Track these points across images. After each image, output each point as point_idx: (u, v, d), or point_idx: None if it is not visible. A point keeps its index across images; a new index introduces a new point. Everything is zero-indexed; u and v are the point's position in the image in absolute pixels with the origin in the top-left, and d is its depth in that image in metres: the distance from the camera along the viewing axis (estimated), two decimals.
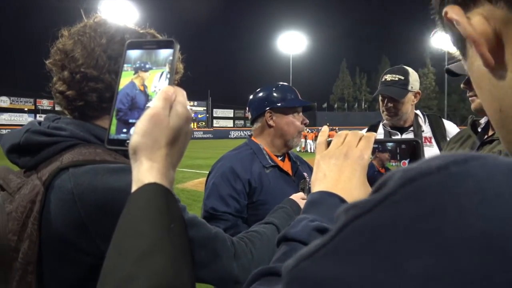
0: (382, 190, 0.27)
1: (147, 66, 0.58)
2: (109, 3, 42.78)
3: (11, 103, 42.71)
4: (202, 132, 53.93)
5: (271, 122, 1.70)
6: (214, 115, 60.55)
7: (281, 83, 1.82)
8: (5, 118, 41.67)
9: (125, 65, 0.60)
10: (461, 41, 0.40)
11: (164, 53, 0.58)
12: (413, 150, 0.68)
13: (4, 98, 42.07)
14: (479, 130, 1.54)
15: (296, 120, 1.71)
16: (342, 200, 0.60)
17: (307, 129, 26.55)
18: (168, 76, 0.57)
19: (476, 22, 0.35)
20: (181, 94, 0.55)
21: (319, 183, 0.64)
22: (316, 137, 25.32)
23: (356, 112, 76.19)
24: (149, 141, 0.50)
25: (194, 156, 17.37)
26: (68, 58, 0.83)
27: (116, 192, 0.71)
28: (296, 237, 0.55)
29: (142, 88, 0.58)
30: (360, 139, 0.66)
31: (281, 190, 1.57)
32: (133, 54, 0.60)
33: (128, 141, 0.53)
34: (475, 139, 1.52)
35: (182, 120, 0.53)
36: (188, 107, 0.55)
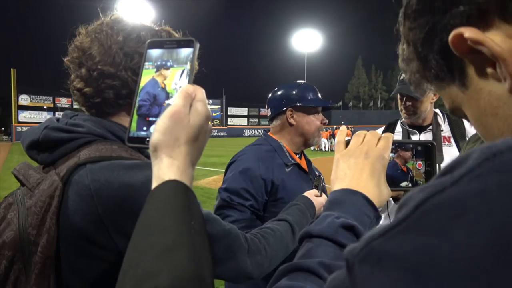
0: (461, 167, 0.27)
1: (169, 64, 0.59)
2: (126, 2, 43.37)
3: (31, 101, 43.74)
4: (216, 130, 54.15)
5: (291, 121, 1.71)
6: (229, 113, 60.74)
7: (303, 81, 1.82)
8: (25, 115, 42.72)
9: (146, 63, 0.60)
10: (457, 68, 0.39)
11: (185, 52, 0.59)
12: (428, 151, 0.70)
13: (25, 96, 43.13)
14: None
15: (316, 119, 1.72)
16: (366, 198, 0.60)
17: (322, 128, 26.24)
18: (189, 74, 0.58)
19: (500, 41, 0.34)
20: (201, 92, 0.56)
21: (340, 181, 0.64)
22: (330, 135, 25.16)
23: (372, 111, 75.30)
24: (169, 139, 0.51)
25: (209, 154, 17.47)
26: (86, 55, 0.84)
27: (131, 189, 0.72)
28: (322, 234, 0.55)
29: (163, 85, 0.59)
30: (379, 139, 0.67)
31: (300, 188, 1.57)
32: (154, 53, 0.61)
33: (148, 139, 0.54)
34: None
35: (202, 118, 0.54)
36: (207, 106, 0.56)
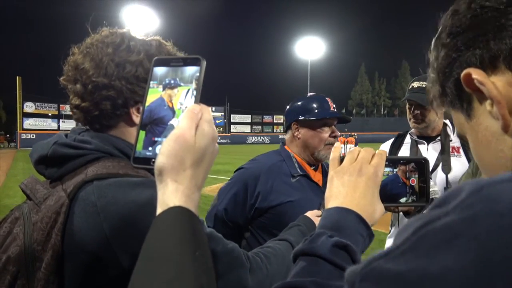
0: (455, 199, 0.31)
1: (175, 82, 0.58)
2: (130, 10, 43.84)
3: (36, 109, 44.05)
4: (220, 138, 54.31)
5: (296, 134, 1.72)
6: (232, 120, 60.96)
7: (312, 94, 1.81)
8: (30, 123, 42.99)
9: (151, 82, 0.59)
10: (466, 100, 0.45)
11: (190, 70, 0.58)
12: (422, 168, 0.71)
13: (30, 103, 43.46)
14: None
15: (323, 132, 1.68)
16: (359, 216, 0.61)
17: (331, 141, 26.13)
18: (195, 93, 0.57)
19: (500, 86, 0.40)
20: (207, 112, 0.55)
21: (334, 199, 0.65)
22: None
23: (375, 118, 75.19)
24: (175, 162, 0.50)
25: None
26: (79, 71, 0.86)
27: (136, 206, 0.72)
28: (316, 252, 0.55)
29: (170, 104, 0.58)
30: (373, 155, 0.68)
31: (307, 199, 1.58)
32: (160, 71, 0.60)
33: (153, 160, 0.54)
34: None
35: (208, 140, 0.53)
36: (214, 126, 0.56)
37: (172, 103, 0.58)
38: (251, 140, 57.47)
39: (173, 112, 0.57)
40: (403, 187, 0.70)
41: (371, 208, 0.63)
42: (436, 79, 0.49)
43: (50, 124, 44.57)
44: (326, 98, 1.74)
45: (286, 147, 1.78)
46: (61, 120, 44.21)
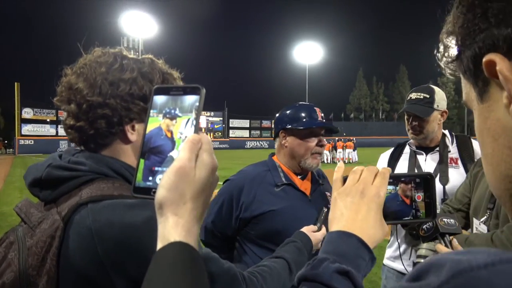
0: (434, 277, 0.31)
1: (174, 112, 0.58)
2: (129, 16, 43.95)
3: (34, 115, 43.99)
4: (218, 143, 54.32)
5: (284, 142, 1.72)
6: (230, 125, 60.87)
7: (301, 103, 1.81)
8: (28, 129, 42.91)
9: (151, 111, 0.59)
10: (482, 80, 0.39)
11: (190, 100, 0.58)
12: (427, 183, 0.70)
13: (28, 109, 43.40)
14: None
15: (310, 141, 1.68)
16: (360, 241, 0.61)
17: (319, 150, 26.16)
18: (194, 123, 0.56)
19: None
20: (207, 141, 0.55)
21: (337, 221, 0.65)
22: (332, 147, 25.12)
23: (374, 122, 75.31)
24: (175, 196, 0.50)
25: None
26: (73, 91, 0.87)
27: (132, 229, 0.72)
28: (317, 278, 0.57)
29: (169, 134, 0.57)
30: (376, 175, 0.68)
31: (291, 207, 1.59)
32: (160, 99, 0.59)
33: (154, 190, 0.54)
34: None
35: (208, 171, 0.53)
36: (213, 156, 0.55)
37: (170, 133, 0.57)
38: (249, 145, 57.46)
39: (172, 141, 0.57)
40: (401, 205, 0.69)
41: (373, 230, 0.63)
42: (455, 36, 0.42)
43: (49, 130, 44.50)
44: (315, 108, 1.74)
45: (274, 157, 1.81)
46: (59, 126, 44.03)
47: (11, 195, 9.69)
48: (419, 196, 0.69)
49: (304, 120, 1.69)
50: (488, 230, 1.41)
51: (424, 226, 1.26)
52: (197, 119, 0.57)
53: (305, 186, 1.72)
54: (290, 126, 1.69)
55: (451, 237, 1.26)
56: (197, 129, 0.56)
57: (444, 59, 0.45)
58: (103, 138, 0.88)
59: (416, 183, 0.70)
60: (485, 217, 1.46)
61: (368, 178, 0.67)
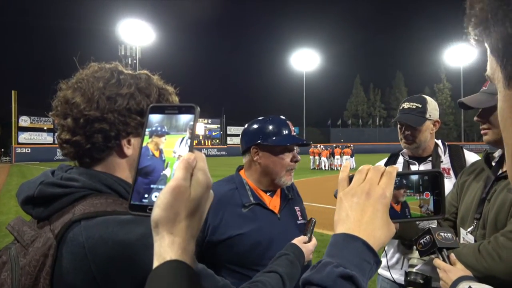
0: None
1: (163, 130, 0.58)
2: (127, 24, 44.14)
3: (31, 122, 43.90)
4: (216, 150, 54.25)
5: (256, 158, 1.63)
6: (228, 132, 60.88)
7: (273, 116, 1.70)
8: (25, 137, 42.80)
9: (147, 130, 0.59)
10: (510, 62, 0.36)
11: (185, 119, 0.58)
12: (436, 180, 0.69)
13: (25, 117, 43.32)
14: (493, 164, 1.52)
15: (285, 157, 1.61)
16: (365, 244, 0.60)
17: (321, 147, 26.35)
18: (188, 142, 0.57)
19: None
20: (201, 159, 0.56)
21: (342, 223, 0.64)
22: (330, 154, 25.15)
23: (371, 128, 75.53)
24: (170, 215, 0.51)
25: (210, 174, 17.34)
26: (69, 105, 0.86)
27: (125, 246, 0.71)
28: (321, 283, 0.56)
29: (157, 153, 0.58)
30: (382, 174, 0.66)
31: (259, 229, 1.52)
32: (155, 118, 0.60)
33: (150, 207, 0.54)
34: (489, 173, 1.50)
35: (202, 189, 0.54)
36: (208, 174, 0.56)
37: (159, 151, 0.58)
38: None
39: (162, 160, 0.58)
40: (392, 213, 0.67)
41: (379, 232, 0.62)
42: (484, 3, 0.37)
43: (46, 138, 44.39)
44: (287, 122, 1.67)
45: (240, 172, 1.71)
46: (56, 134, 43.88)
47: (7, 204, 9.62)
48: (427, 194, 0.69)
49: (277, 136, 1.61)
50: (475, 240, 1.41)
51: (421, 241, 1.26)
52: (191, 138, 0.57)
53: (274, 203, 1.66)
54: (262, 142, 1.61)
55: (448, 252, 1.25)
56: (192, 148, 0.57)
57: (473, 19, 0.38)
58: (99, 152, 0.87)
59: (424, 181, 0.69)
60: (472, 227, 1.45)
61: (374, 178, 0.66)
